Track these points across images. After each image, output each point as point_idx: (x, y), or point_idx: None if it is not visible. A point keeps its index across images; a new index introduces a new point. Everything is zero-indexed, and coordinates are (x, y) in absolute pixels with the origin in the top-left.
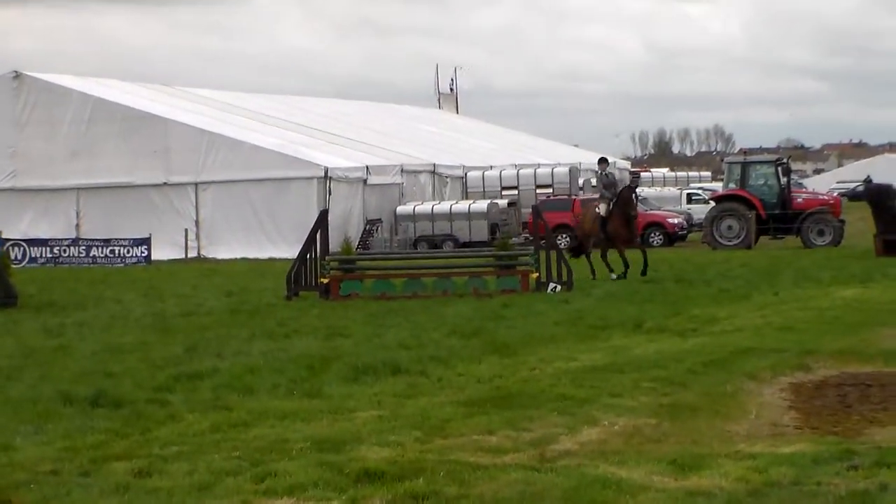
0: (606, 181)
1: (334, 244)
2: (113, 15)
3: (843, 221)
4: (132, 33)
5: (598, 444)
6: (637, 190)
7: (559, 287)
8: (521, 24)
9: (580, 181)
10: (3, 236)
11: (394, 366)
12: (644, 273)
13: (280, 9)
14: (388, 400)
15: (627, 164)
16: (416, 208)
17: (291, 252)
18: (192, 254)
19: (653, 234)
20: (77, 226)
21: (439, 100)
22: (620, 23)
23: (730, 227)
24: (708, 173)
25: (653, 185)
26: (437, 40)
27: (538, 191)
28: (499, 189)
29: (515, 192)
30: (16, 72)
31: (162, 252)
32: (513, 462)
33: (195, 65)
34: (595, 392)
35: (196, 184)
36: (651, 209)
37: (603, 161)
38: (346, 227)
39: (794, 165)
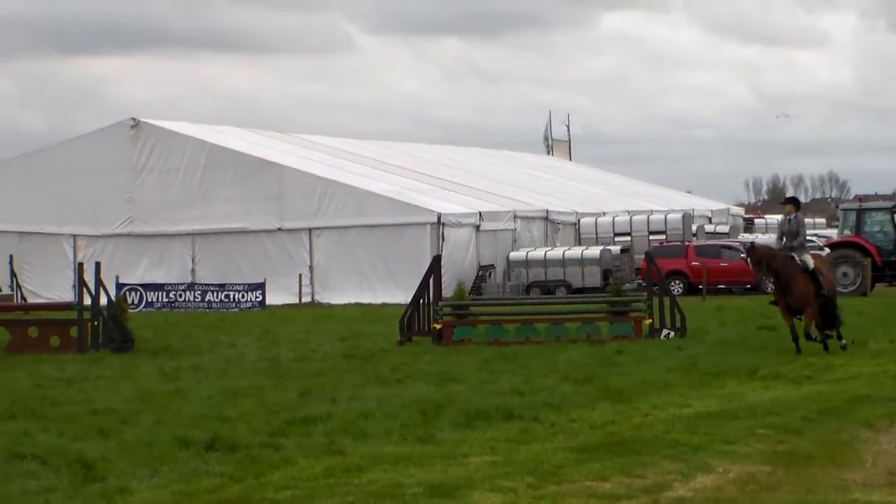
0: (789, 228)
1: (447, 290)
2: (222, 63)
3: None
4: (241, 81)
5: (713, 492)
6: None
7: (672, 333)
8: (626, 70)
9: (693, 227)
10: (120, 281)
11: (507, 411)
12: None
13: (389, 56)
14: (500, 445)
15: (741, 211)
16: (529, 254)
17: (404, 297)
18: (306, 299)
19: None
20: (192, 271)
21: (551, 146)
22: (726, 69)
23: (845, 275)
24: (822, 220)
25: (766, 232)
26: (545, 87)
27: (651, 237)
28: (612, 235)
29: (628, 238)
30: (134, 119)
31: (276, 297)
32: None
33: (304, 111)
34: (709, 439)
35: (310, 229)
36: None
37: (792, 202)
38: (459, 272)
39: None
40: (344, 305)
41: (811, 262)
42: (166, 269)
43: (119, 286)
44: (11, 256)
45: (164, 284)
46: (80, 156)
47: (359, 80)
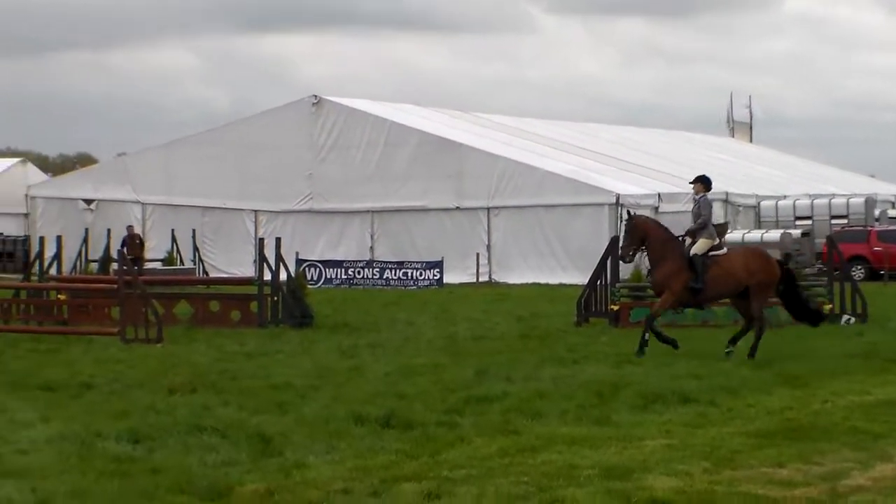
0: (693, 210)
1: (625, 271)
2: (403, 41)
3: None
4: (421, 59)
5: (893, 481)
6: None
7: (853, 319)
8: (809, 52)
9: (876, 212)
10: (300, 257)
11: (683, 395)
12: None
13: (569, 36)
14: (676, 429)
15: None
16: None
17: (581, 278)
18: (483, 278)
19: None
20: (371, 248)
21: (732, 128)
22: None
23: None
24: None
25: None
26: (726, 69)
27: (833, 221)
28: (792, 219)
29: (809, 222)
30: (316, 96)
31: (453, 276)
32: (803, 496)
33: (484, 90)
34: (889, 427)
35: (488, 209)
36: None
37: (700, 181)
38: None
39: None
40: (521, 285)
41: (699, 248)
42: (345, 245)
43: (299, 262)
44: (194, 231)
45: (342, 261)
46: (262, 132)
47: (538, 60)
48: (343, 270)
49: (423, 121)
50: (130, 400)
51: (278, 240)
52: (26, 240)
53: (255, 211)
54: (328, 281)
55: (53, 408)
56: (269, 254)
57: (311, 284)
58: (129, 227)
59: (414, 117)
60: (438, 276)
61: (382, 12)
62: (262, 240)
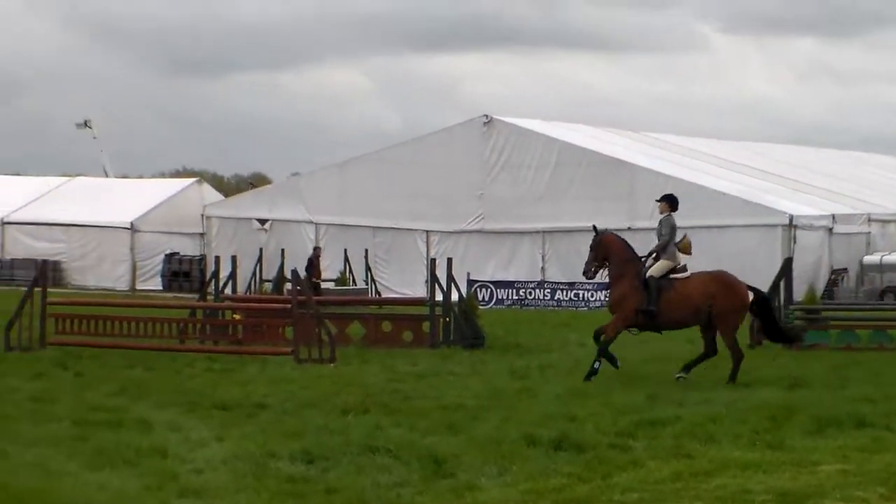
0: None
1: (797, 293)
2: (571, 60)
3: None
4: (592, 78)
5: None
6: None
7: None
8: None
9: None
10: (471, 277)
11: (858, 419)
12: None
13: (740, 55)
14: (852, 454)
15: None
16: (884, 258)
17: None
18: None
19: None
20: (542, 268)
21: None
22: None
23: None
24: None
25: None
26: None
27: None
28: None
29: None
30: (487, 116)
31: None
32: None
33: (654, 109)
34: None
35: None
36: None
37: (665, 200)
38: (809, 276)
39: None
40: None
41: (656, 270)
42: (516, 266)
43: (470, 282)
44: (366, 251)
45: (513, 282)
46: (433, 152)
47: (709, 79)
48: (514, 291)
49: (593, 140)
50: (304, 420)
51: (449, 260)
52: (202, 259)
53: (427, 231)
54: (499, 301)
55: (228, 427)
56: (441, 274)
57: (482, 305)
58: (316, 249)
59: (584, 137)
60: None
61: (549, 31)
62: (433, 260)
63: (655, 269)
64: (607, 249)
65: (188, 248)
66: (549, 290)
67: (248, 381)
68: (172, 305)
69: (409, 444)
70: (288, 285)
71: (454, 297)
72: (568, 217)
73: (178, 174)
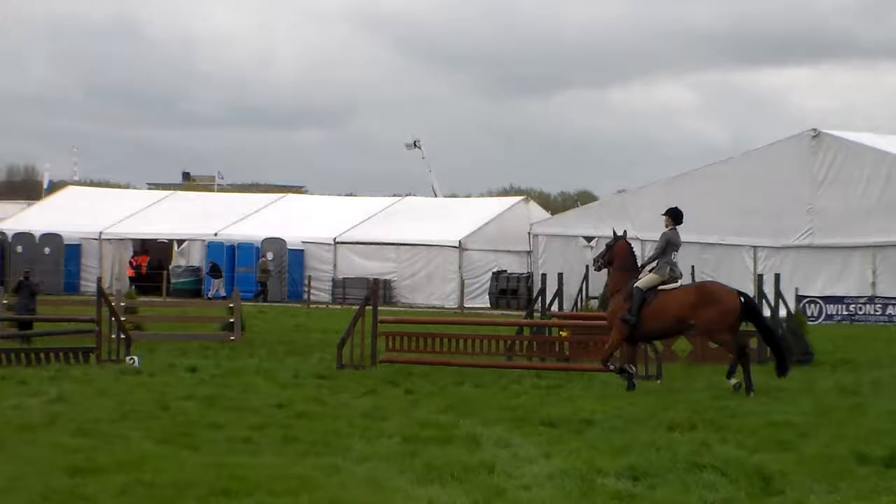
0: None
1: None
2: None
3: None
4: None
5: None
6: None
7: None
8: None
9: None
10: (800, 293)
11: None
12: None
13: None
14: None
15: None
16: None
17: None
18: None
19: None
20: (872, 284)
21: None
22: None
23: None
24: None
25: None
26: None
27: None
28: None
29: None
30: (815, 130)
31: None
32: None
33: None
34: None
35: None
36: None
37: (668, 214)
38: None
39: None
40: None
41: (643, 283)
42: (845, 281)
43: (798, 298)
44: (693, 267)
45: (843, 297)
46: (760, 167)
47: None
48: (844, 307)
49: None
50: (630, 436)
51: (777, 276)
52: (529, 277)
53: (754, 247)
54: (829, 317)
55: (555, 444)
56: (769, 290)
57: (811, 321)
58: None
59: None
60: None
61: (884, 42)
62: (760, 276)
63: (642, 281)
64: (612, 257)
65: (515, 266)
66: (880, 306)
67: (575, 397)
68: (500, 323)
69: (737, 461)
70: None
71: (782, 312)
72: None
73: (505, 192)
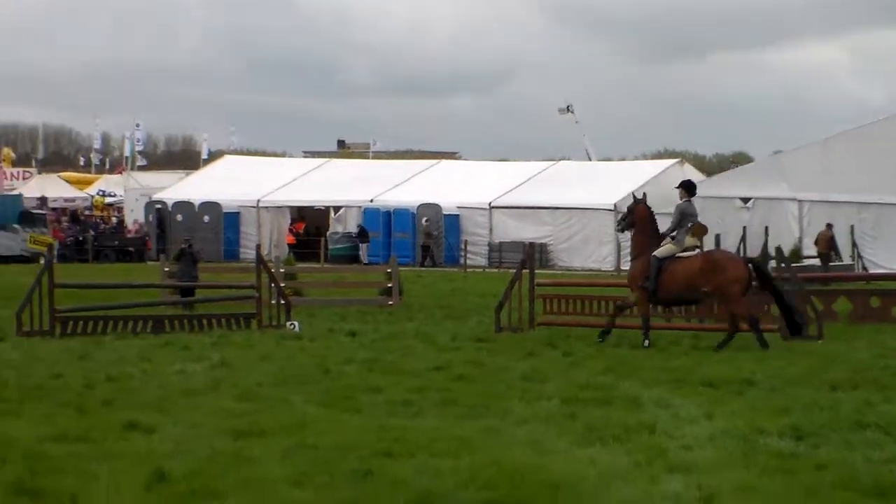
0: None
1: None
2: None
3: None
4: None
5: None
6: None
7: None
8: None
9: None
10: None
11: None
12: None
13: None
14: None
15: None
16: None
17: None
18: None
19: None
20: None
21: None
22: None
23: None
24: None
25: None
26: None
27: None
28: None
29: None
30: None
31: None
32: None
33: None
34: None
35: None
36: None
37: (682, 186)
38: None
39: None
40: None
41: (661, 252)
42: None
43: None
44: (852, 227)
45: None
46: None
47: None
48: None
49: None
50: (791, 397)
51: None
52: None
53: None
54: None
55: (716, 404)
56: None
57: None
58: (829, 225)
59: None
60: None
61: None
62: None
63: (660, 251)
64: (633, 220)
65: None
66: None
67: (735, 358)
68: None
69: None
70: (772, 263)
71: None
72: None
73: (659, 155)
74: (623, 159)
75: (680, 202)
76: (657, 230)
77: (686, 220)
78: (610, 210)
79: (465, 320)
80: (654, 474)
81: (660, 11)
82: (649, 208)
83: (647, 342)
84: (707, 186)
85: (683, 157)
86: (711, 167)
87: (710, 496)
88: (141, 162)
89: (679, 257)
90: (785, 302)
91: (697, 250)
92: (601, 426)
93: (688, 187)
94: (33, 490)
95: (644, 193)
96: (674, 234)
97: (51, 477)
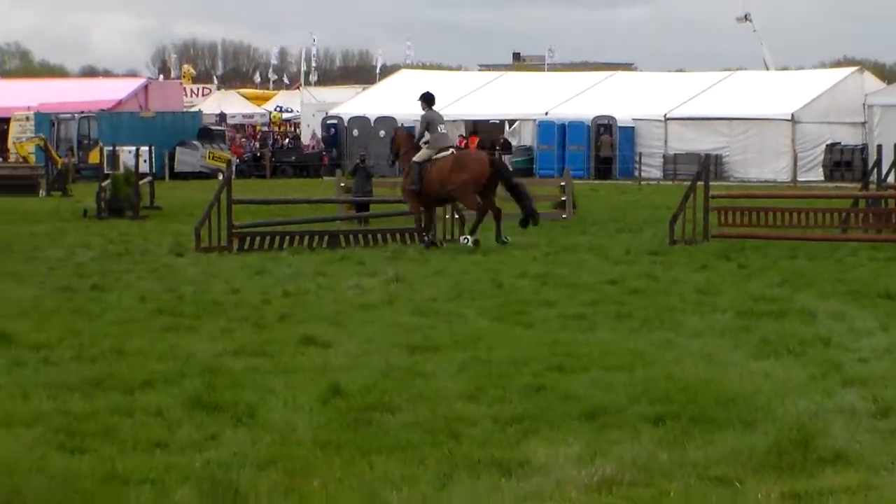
0: None
1: None
2: None
3: None
4: None
5: None
6: None
7: None
8: None
9: None
10: None
11: None
12: None
13: None
14: None
15: None
16: None
17: None
18: None
19: None
20: None
21: None
22: None
23: None
24: None
25: None
26: None
27: None
28: None
29: None
30: None
31: None
32: None
33: None
34: None
35: None
36: None
37: (422, 98)
38: None
39: None
40: None
41: (418, 157)
42: None
43: None
44: None
45: None
46: None
47: None
48: None
49: None
50: None
51: None
52: (864, 148)
53: None
54: None
55: (893, 316)
56: None
57: None
58: None
59: None
60: None
61: None
62: None
63: (417, 156)
64: (397, 145)
65: (849, 138)
66: None
67: None
68: (834, 196)
69: None
70: None
71: None
72: None
73: (838, 64)
74: (801, 68)
75: (423, 112)
76: (418, 147)
77: (433, 125)
78: (787, 120)
79: (639, 233)
80: (828, 387)
81: None
82: (405, 131)
83: (427, 238)
84: (887, 95)
85: (863, 65)
86: (892, 75)
87: (885, 409)
88: (314, 77)
89: (435, 159)
90: (518, 193)
91: (452, 150)
92: (776, 339)
93: (427, 99)
94: (211, 404)
95: (401, 125)
96: (426, 140)
97: (228, 391)
